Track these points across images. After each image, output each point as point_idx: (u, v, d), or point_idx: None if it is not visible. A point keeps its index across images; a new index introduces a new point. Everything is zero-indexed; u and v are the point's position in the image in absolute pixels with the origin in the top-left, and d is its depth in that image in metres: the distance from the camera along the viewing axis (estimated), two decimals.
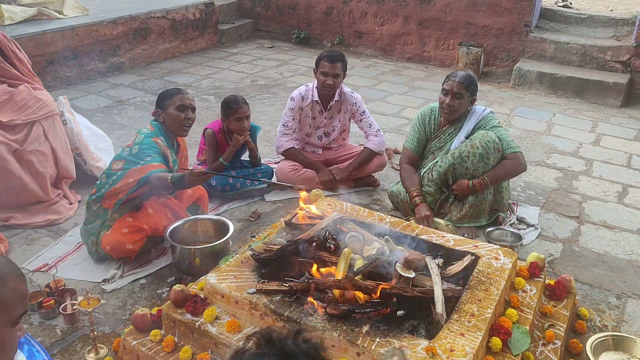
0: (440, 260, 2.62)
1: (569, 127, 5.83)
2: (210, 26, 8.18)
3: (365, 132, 4.23)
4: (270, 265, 2.60)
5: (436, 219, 3.61)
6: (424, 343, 2.15)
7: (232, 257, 2.79)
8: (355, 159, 4.12)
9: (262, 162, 4.18)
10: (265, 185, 4.01)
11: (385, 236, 2.72)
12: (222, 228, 3.24)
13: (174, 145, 3.36)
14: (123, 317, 2.81)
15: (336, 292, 2.44)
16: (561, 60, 7.11)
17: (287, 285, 2.39)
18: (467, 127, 3.67)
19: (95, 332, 2.54)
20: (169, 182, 2.98)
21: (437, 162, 3.71)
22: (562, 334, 2.63)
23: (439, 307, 2.31)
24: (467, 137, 3.64)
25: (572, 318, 2.88)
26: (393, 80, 7.20)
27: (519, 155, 3.61)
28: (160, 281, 3.11)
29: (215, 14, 8.22)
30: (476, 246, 2.84)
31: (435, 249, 2.79)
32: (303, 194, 3.12)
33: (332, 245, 2.58)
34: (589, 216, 4.03)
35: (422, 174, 3.77)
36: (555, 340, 2.58)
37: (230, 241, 3.23)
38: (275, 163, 4.34)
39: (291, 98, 4.17)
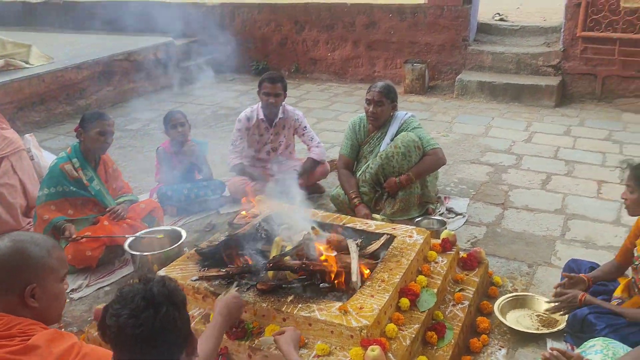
0: (359, 241, 3.04)
1: (505, 128, 6.32)
2: (172, 65, 8.65)
3: (307, 145, 4.67)
4: (213, 258, 2.99)
5: (374, 215, 4.03)
6: (337, 304, 2.55)
7: None
8: (300, 167, 4.55)
9: (215, 177, 4.60)
10: (219, 196, 4.42)
11: (312, 225, 3.13)
12: (176, 238, 3.63)
13: (94, 161, 3.79)
14: (89, 319, 3.17)
15: (270, 273, 2.85)
16: (499, 69, 7.67)
17: (224, 270, 2.79)
18: (392, 130, 4.13)
19: (62, 329, 2.90)
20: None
21: (368, 164, 4.15)
22: (471, 296, 3.04)
23: (354, 276, 2.72)
24: (392, 140, 4.09)
25: (485, 284, 3.30)
26: (345, 101, 7.70)
27: (438, 150, 4.06)
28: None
29: (176, 53, 8.71)
30: (394, 228, 3.26)
31: (358, 234, 3.20)
32: (258, 198, 3.56)
33: (263, 235, 2.98)
34: (512, 202, 4.48)
35: (357, 177, 4.20)
36: (463, 301, 2.99)
37: (186, 248, 3.61)
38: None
39: (238, 120, 4.61)
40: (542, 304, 3.12)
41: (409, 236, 3.15)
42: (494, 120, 6.61)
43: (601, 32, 6.89)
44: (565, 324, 2.90)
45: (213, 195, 4.40)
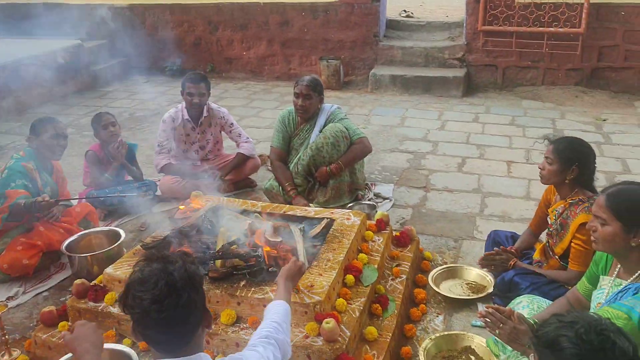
0: (302, 226, 3.19)
1: (419, 118, 6.69)
2: (82, 68, 8.38)
3: (236, 142, 4.75)
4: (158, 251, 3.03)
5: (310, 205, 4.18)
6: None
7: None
8: (230, 162, 4.61)
9: (146, 178, 4.57)
10: (151, 197, 4.41)
11: (255, 214, 3.24)
12: (114, 238, 3.61)
13: (48, 167, 3.70)
14: (31, 325, 3.10)
15: (217, 262, 2.92)
16: (409, 63, 8.07)
17: None
18: (320, 122, 4.31)
19: (7, 337, 2.83)
20: (22, 206, 3.33)
21: (300, 156, 4.30)
22: (407, 270, 3.27)
23: (301, 257, 2.86)
24: (320, 131, 4.27)
25: (417, 259, 3.55)
26: (264, 98, 7.81)
27: (364, 139, 4.29)
28: (62, 291, 3.42)
29: (85, 56, 8.44)
30: (332, 213, 3.43)
31: (299, 220, 3.34)
32: (194, 193, 3.60)
33: (208, 226, 3.06)
34: (433, 185, 4.79)
35: (290, 169, 4.34)
36: (401, 275, 3.21)
37: (124, 248, 3.60)
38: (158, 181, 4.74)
39: (163, 121, 4.61)
40: (471, 273, 3.41)
41: (347, 219, 3.34)
42: (408, 112, 6.97)
43: (499, 26, 7.44)
44: (492, 289, 3.20)
45: (146, 197, 4.38)
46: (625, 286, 2.19)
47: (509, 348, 2.53)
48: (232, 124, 4.72)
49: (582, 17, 7.02)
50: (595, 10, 7.07)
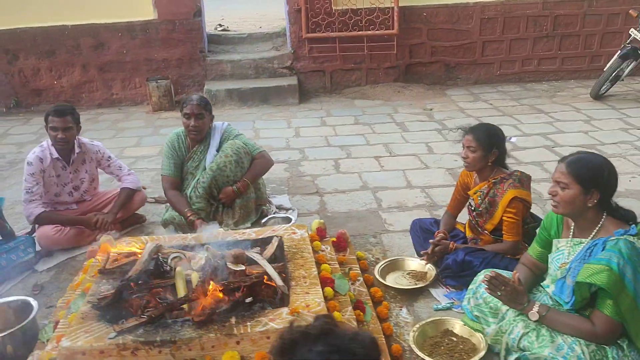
0: (257, 249, 3.03)
1: (271, 128, 6.74)
2: None
3: (117, 175, 4.28)
4: (115, 309, 2.63)
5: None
6: (285, 309, 2.54)
7: (47, 327, 2.76)
8: (117, 200, 4.15)
9: (20, 234, 3.89)
10: (32, 255, 3.77)
11: (206, 245, 2.99)
12: (22, 309, 3.02)
13: None
14: None
15: (186, 305, 2.65)
16: (240, 76, 8.05)
17: (145, 316, 2.49)
18: (215, 141, 4.11)
19: None
20: None
21: (198, 179, 4.05)
22: (360, 272, 3.31)
23: (279, 281, 2.72)
24: (217, 150, 4.07)
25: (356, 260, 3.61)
26: (94, 128, 7.13)
27: (264, 153, 4.21)
28: None
29: None
30: (274, 230, 3.32)
31: (244, 244, 3.16)
32: (104, 238, 3.15)
33: (168, 267, 2.74)
34: (323, 189, 4.88)
35: (189, 194, 4.06)
36: (358, 277, 3.24)
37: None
38: (29, 233, 4.06)
39: (28, 163, 3.97)
40: (409, 263, 3.57)
41: (293, 233, 3.26)
42: (256, 124, 6.97)
43: (322, 32, 7.82)
44: (434, 273, 3.39)
45: (25, 256, 3.73)
46: (593, 242, 2.51)
47: (493, 320, 2.75)
48: (109, 157, 4.24)
49: (394, 19, 7.73)
50: (404, 12, 7.83)
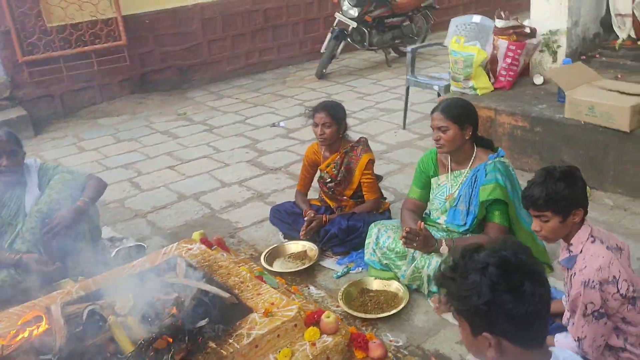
0: (171, 274, 2.79)
1: (69, 155, 6.05)
2: None
3: None
4: None
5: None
6: (254, 314, 2.46)
7: None
8: None
9: None
10: None
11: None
12: None
13: None
14: None
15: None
16: None
17: None
18: (32, 181, 3.50)
19: None
20: None
21: (21, 229, 3.41)
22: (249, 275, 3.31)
23: (224, 293, 2.60)
24: (41, 189, 3.48)
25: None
26: None
27: (93, 175, 3.73)
28: None
29: None
30: (164, 254, 3.06)
31: (148, 274, 2.87)
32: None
33: (102, 324, 2.35)
34: (141, 210, 4.56)
35: (7, 248, 3.38)
36: (263, 272, 3.24)
37: None
38: None
39: None
40: (286, 248, 3.68)
41: (188, 249, 3.09)
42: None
43: (41, 53, 7.02)
44: (315, 247, 3.59)
45: None
46: (474, 170, 3.06)
47: (401, 263, 3.11)
48: None
49: (120, 30, 7.39)
50: (128, 22, 7.53)
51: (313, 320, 2.47)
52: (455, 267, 1.36)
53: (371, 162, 3.65)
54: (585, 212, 2.23)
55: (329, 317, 2.46)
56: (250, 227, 4.12)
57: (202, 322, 2.45)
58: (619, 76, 4.56)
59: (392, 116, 6.29)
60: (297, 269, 3.45)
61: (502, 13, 4.90)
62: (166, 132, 6.51)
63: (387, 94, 7.28)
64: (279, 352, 2.37)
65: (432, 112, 3.07)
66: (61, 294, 2.75)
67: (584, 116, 3.99)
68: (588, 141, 4.04)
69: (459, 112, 3.01)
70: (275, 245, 3.74)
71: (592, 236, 2.21)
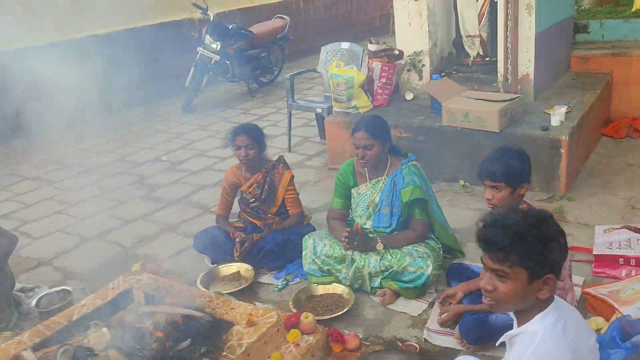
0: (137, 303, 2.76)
1: None
2: None
3: None
4: None
5: None
6: (237, 327, 2.55)
7: None
8: None
9: None
10: None
11: (93, 321, 2.53)
12: None
13: None
14: None
15: None
16: None
17: None
18: None
19: None
20: None
21: None
22: None
23: (197, 313, 2.65)
24: None
25: None
26: None
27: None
28: None
29: None
30: (113, 289, 2.99)
31: (107, 310, 2.79)
32: None
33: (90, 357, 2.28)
34: (44, 257, 4.28)
35: None
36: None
37: None
38: None
39: None
40: (219, 271, 3.73)
41: (138, 280, 3.05)
42: None
43: None
44: (249, 267, 3.69)
45: None
46: (392, 176, 3.43)
47: (341, 266, 3.37)
48: None
49: None
50: None
51: (292, 323, 2.62)
52: (524, 228, 1.68)
53: (292, 178, 3.88)
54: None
55: (307, 317, 2.63)
56: (171, 258, 4.08)
57: (186, 343, 2.48)
58: (476, 87, 5.30)
59: (274, 141, 6.53)
60: (240, 288, 3.52)
61: (371, 39, 5.48)
62: (37, 179, 6.09)
63: (260, 122, 7.52)
64: (269, 357, 2.48)
65: (354, 131, 3.37)
66: (13, 344, 2.57)
67: (459, 122, 4.61)
68: (465, 143, 4.66)
69: (381, 130, 3.38)
70: (205, 271, 3.76)
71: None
